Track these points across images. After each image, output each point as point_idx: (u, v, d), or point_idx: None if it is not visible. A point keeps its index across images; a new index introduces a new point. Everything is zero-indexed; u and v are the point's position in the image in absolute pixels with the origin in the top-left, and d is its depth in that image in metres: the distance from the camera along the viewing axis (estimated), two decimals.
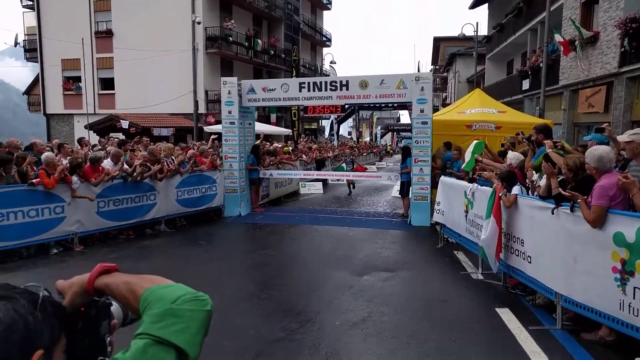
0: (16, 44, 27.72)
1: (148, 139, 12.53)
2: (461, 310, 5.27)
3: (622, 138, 4.88)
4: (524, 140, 6.33)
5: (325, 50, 44.78)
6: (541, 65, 16.14)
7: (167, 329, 0.87)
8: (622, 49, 12.29)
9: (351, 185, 16.12)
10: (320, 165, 20.00)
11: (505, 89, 24.86)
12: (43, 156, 8.00)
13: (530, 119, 12.74)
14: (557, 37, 15.40)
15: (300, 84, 11.40)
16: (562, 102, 16.80)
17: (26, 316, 0.84)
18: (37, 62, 28.20)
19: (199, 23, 21.21)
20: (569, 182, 4.61)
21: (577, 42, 14.51)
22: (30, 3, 28.51)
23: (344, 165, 15.45)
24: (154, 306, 0.91)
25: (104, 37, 26.09)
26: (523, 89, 21.17)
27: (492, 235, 5.68)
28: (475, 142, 8.82)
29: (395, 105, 21.25)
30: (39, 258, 7.52)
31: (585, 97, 14.99)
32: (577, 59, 14.59)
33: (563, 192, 4.41)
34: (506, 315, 5.07)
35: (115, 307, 1.06)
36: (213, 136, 16.18)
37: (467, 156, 8.54)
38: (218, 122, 18.33)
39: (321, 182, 17.97)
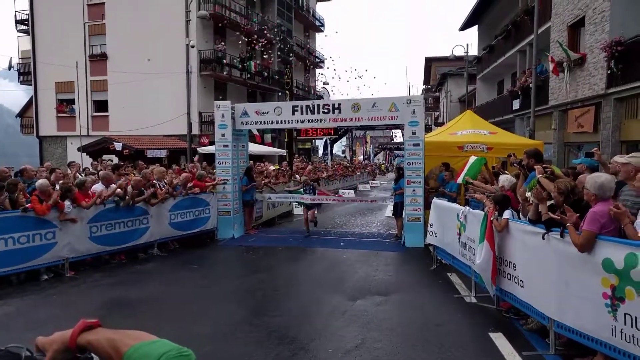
0: (10, 67, 27.84)
1: (142, 163, 12.54)
2: (455, 334, 5.25)
3: (619, 160, 4.95)
4: (515, 164, 6.41)
5: (318, 70, 45.27)
6: (531, 85, 16.42)
7: None
8: (609, 71, 12.55)
9: (312, 223, 11.92)
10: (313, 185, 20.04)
11: (496, 108, 25.18)
12: (37, 183, 7.96)
13: (520, 139, 12.90)
14: (549, 63, 15.72)
15: (293, 107, 11.51)
16: (552, 122, 17.03)
17: None
18: (31, 84, 28.31)
19: (192, 47, 21.43)
20: (559, 207, 4.66)
21: (565, 64, 14.79)
22: (25, 27, 28.76)
23: (301, 190, 12.39)
24: None
25: (98, 60, 26.28)
26: (514, 108, 21.46)
27: (487, 259, 5.70)
28: (474, 158, 8.94)
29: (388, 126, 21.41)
30: (29, 284, 7.42)
31: (575, 117, 15.21)
32: (564, 83, 14.85)
33: (553, 216, 4.46)
34: (499, 340, 5.05)
35: None
36: (195, 157, 16.33)
37: (464, 170, 8.63)
38: (212, 143, 18.38)
39: None
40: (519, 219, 5.64)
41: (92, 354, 1.03)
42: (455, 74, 38.14)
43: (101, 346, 0.98)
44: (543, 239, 4.69)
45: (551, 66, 15.73)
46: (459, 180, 8.87)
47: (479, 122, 12.66)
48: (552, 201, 4.77)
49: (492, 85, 29.32)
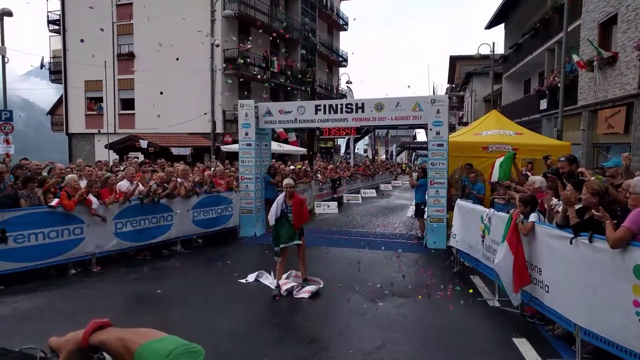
0: (42, 66, 28.63)
1: (164, 160, 12.76)
2: (477, 339, 5.16)
3: None
4: (549, 174, 6.26)
5: (341, 70, 45.19)
6: (559, 85, 16.02)
7: None
8: None
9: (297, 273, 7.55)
10: (335, 184, 20.04)
11: (522, 108, 24.67)
12: (66, 178, 8.21)
13: (547, 140, 12.62)
14: (575, 58, 15.30)
15: (316, 106, 11.51)
16: (580, 123, 16.58)
17: None
18: (61, 83, 29.08)
19: (217, 46, 21.63)
20: (590, 208, 4.51)
21: (595, 62, 14.39)
22: (57, 28, 29.55)
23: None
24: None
25: (126, 59, 26.83)
26: (541, 108, 20.98)
27: (505, 260, 5.57)
28: (504, 156, 8.77)
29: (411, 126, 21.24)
30: (57, 279, 7.64)
31: (605, 118, 14.77)
32: (594, 83, 14.44)
33: (596, 213, 4.26)
34: (523, 345, 4.95)
35: None
36: (212, 157, 16.54)
37: (496, 169, 8.49)
38: (235, 141, 18.55)
39: (336, 202, 17.99)
40: (545, 222, 5.51)
41: (105, 354, 1.04)
42: (481, 72, 37.50)
43: (113, 345, 1.00)
44: (571, 243, 4.56)
45: (576, 60, 15.25)
46: (492, 179, 8.71)
47: (505, 123, 12.44)
48: (580, 205, 4.64)
49: (518, 85, 28.73)
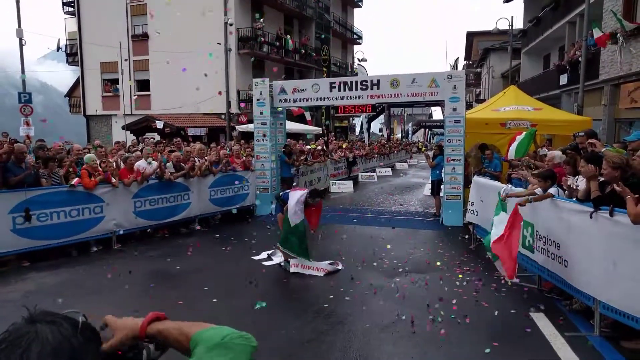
0: (58, 48, 28.79)
1: (180, 140, 12.86)
2: (494, 314, 5.16)
3: None
4: (569, 149, 6.14)
5: (356, 47, 44.56)
6: (580, 59, 15.57)
7: (218, 358, 0.97)
8: None
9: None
10: (350, 164, 19.98)
11: (541, 84, 24.11)
12: (85, 157, 8.38)
13: (567, 116, 12.36)
14: (597, 32, 14.79)
15: (330, 84, 11.41)
16: (602, 97, 16.15)
17: (70, 339, 0.92)
18: (77, 65, 29.28)
19: (231, 24, 21.49)
20: (613, 182, 4.42)
21: (618, 35, 13.92)
22: (72, 9, 29.61)
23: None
24: (206, 342, 1.01)
25: (140, 40, 26.84)
26: (560, 84, 20.47)
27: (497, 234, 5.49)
28: (525, 133, 8.62)
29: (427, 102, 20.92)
30: (80, 256, 7.83)
31: (628, 92, 14.36)
32: (618, 53, 13.99)
33: (616, 187, 4.19)
34: (541, 320, 4.95)
35: (144, 356, 1.16)
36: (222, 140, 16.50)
37: (514, 146, 8.37)
38: (250, 121, 18.55)
39: (351, 181, 17.97)
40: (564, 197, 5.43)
41: (148, 345, 1.15)
42: (499, 48, 36.63)
43: (171, 333, 1.11)
44: (591, 217, 4.50)
45: (596, 36, 14.75)
46: (509, 156, 8.59)
47: (523, 98, 12.19)
48: (602, 178, 4.55)
49: (537, 60, 28.02)
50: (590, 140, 5.56)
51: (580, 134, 6.13)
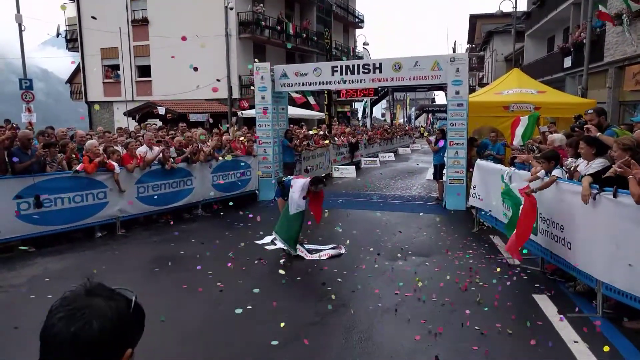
0: (58, 34, 28.64)
1: (184, 124, 12.82)
2: (497, 296, 5.19)
3: None
4: (576, 127, 6.10)
5: (358, 31, 44.16)
6: (584, 41, 15.39)
7: None
8: None
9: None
10: (353, 148, 19.94)
11: (545, 67, 23.89)
12: (87, 143, 8.37)
13: (571, 98, 12.26)
14: (602, 9, 14.57)
15: (332, 67, 11.33)
16: (606, 80, 16.00)
17: (126, 318, 0.98)
18: (78, 51, 29.11)
19: (231, 9, 21.30)
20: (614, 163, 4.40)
21: (624, 15, 13.73)
22: None
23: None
24: None
25: (140, 25, 26.62)
26: (565, 66, 20.28)
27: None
28: (528, 116, 8.59)
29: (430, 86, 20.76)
30: (84, 241, 7.88)
31: (633, 74, 14.22)
32: (625, 31, 13.79)
33: (616, 168, 4.18)
34: (544, 302, 4.97)
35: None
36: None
37: (519, 132, 8.33)
38: (252, 106, 18.47)
39: (354, 166, 17.96)
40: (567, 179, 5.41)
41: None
42: (502, 31, 36.24)
43: None
44: (594, 199, 4.49)
45: (598, 11, 14.52)
46: (515, 142, 8.55)
47: (527, 81, 12.08)
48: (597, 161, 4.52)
49: (541, 43, 27.71)
50: (586, 126, 5.50)
51: (589, 111, 6.06)
